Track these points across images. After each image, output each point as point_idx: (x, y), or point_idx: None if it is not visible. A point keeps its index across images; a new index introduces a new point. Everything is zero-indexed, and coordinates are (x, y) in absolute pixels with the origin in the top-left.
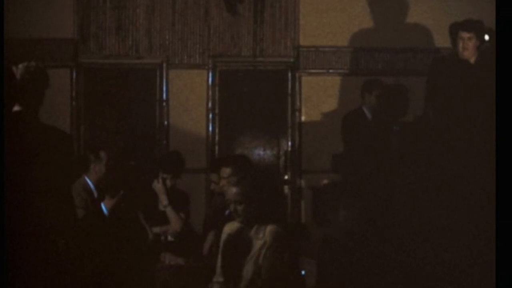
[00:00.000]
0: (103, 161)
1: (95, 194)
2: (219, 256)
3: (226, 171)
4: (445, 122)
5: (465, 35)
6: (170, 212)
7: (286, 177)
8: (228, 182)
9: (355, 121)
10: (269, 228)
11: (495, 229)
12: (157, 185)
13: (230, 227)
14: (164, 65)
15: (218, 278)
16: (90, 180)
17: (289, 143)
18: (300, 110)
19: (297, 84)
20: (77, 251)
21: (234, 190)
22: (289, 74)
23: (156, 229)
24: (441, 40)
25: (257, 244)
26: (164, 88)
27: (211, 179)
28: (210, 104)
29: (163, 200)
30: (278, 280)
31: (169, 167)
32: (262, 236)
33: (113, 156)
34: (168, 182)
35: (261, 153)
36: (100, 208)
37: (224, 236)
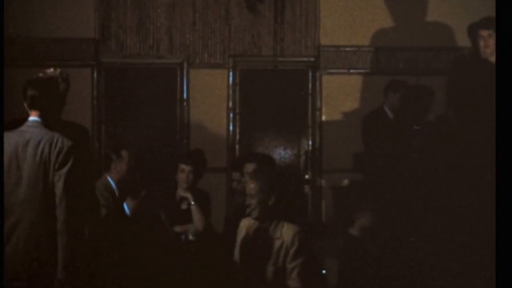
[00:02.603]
0: (125, 160)
1: (117, 193)
2: (236, 252)
3: (250, 166)
4: (466, 121)
5: (485, 32)
6: (195, 210)
7: (306, 176)
8: (249, 178)
9: (376, 120)
10: (286, 227)
11: None
12: (180, 175)
13: (246, 223)
14: (185, 64)
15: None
16: (112, 179)
17: (310, 143)
18: (320, 110)
19: (317, 83)
20: (99, 247)
21: (251, 185)
22: (310, 74)
23: (177, 228)
24: (463, 39)
25: (276, 243)
26: (185, 88)
27: (233, 178)
28: (230, 104)
29: (189, 198)
30: (299, 280)
31: (188, 159)
32: (280, 235)
33: (134, 155)
34: (191, 176)
35: (281, 152)
36: (122, 207)
37: (241, 232)
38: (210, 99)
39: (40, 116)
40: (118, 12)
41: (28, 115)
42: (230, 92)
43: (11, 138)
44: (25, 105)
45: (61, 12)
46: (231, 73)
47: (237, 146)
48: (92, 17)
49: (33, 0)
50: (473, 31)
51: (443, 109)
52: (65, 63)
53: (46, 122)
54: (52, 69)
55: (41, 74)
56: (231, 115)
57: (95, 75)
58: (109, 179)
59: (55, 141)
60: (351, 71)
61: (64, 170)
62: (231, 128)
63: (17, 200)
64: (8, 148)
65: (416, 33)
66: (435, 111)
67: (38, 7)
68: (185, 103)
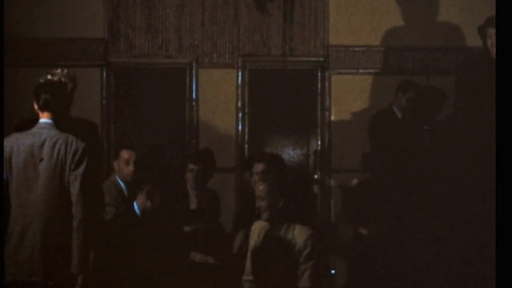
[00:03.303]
0: (122, 159)
1: (126, 193)
2: (249, 255)
3: (259, 166)
4: (475, 121)
5: (493, 31)
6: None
7: (315, 176)
8: (259, 179)
9: (384, 120)
10: (298, 229)
11: None
12: (189, 175)
13: (258, 225)
14: (194, 64)
15: (248, 276)
16: (121, 179)
17: (319, 142)
18: (329, 110)
19: (326, 83)
20: (110, 247)
21: (261, 187)
22: (319, 74)
23: (187, 228)
24: (472, 39)
25: (288, 245)
26: (194, 88)
27: (243, 178)
28: (239, 104)
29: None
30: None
31: (197, 159)
32: (292, 237)
33: (143, 155)
34: (200, 175)
35: (290, 152)
36: (132, 207)
37: (253, 234)
38: (219, 99)
39: (52, 117)
40: (127, 12)
41: (36, 117)
42: (239, 92)
43: (25, 139)
44: (36, 107)
45: (70, 12)
46: (240, 73)
47: (246, 146)
48: (101, 17)
49: (42, 0)
50: (482, 30)
51: (452, 109)
52: (74, 63)
53: (58, 123)
54: (59, 70)
55: (49, 75)
56: (240, 115)
57: (104, 75)
58: (118, 179)
59: (70, 142)
60: (360, 71)
61: (80, 170)
62: (240, 128)
63: (34, 198)
64: (23, 148)
65: (425, 33)
66: (444, 111)
67: (47, 8)
68: (194, 103)
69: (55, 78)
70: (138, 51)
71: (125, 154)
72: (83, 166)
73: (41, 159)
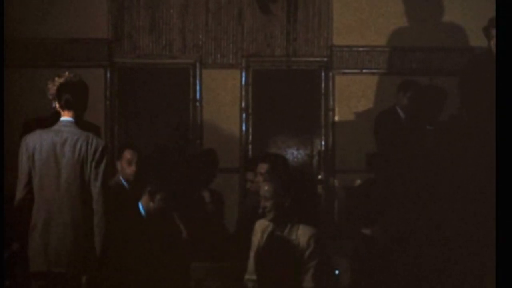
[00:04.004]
0: (124, 159)
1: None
2: (251, 254)
3: (263, 167)
4: (480, 121)
5: (495, 31)
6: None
7: (319, 176)
8: (263, 179)
9: (388, 120)
10: (302, 229)
11: None
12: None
13: (261, 225)
14: (198, 64)
15: (251, 275)
16: (124, 179)
17: (323, 143)
18: (333, 110)
19: (330, 83)
20: (115, 247)
21: (265, 187)
22: (323, 74)
23: None
24: (476, 39)
25: (291, 245)
26: (198, 88)
27: (246, 178)
28: (243, 104)
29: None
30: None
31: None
32: (295, 237)
33: (146, 155)
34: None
35: (294, 152)
36: (137, 207)
37: (256, 234)
38: (223, 99)
39: (73, 116)
40: (131, 13)
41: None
42: (243, 92)
43: (47, 136)
44: (57, 106)
45: (74, 12)
46: (243, 74)
47: (250, 147)
48: (105, 18)
49: (47, 1)
50: (486, 31)
51: (456, 109)
52: (78, 64)
53: (78, 122)
54: (67, 73)
55: (56, 78)
56: (243, 115)
57: (108, 75)
58: (121, 178)
59: (90, 140)
60: (364, 71)
61: (101, 167)
62: (244, 128)
63: (57, 193)
64: (45, 145)
65: (429, 33)
66: (447, 111)
67: (51, 8)
68: (198, 104)
69: (76, 80)
70: (142, 52)
71: (127, 154)
72: (103, 164)
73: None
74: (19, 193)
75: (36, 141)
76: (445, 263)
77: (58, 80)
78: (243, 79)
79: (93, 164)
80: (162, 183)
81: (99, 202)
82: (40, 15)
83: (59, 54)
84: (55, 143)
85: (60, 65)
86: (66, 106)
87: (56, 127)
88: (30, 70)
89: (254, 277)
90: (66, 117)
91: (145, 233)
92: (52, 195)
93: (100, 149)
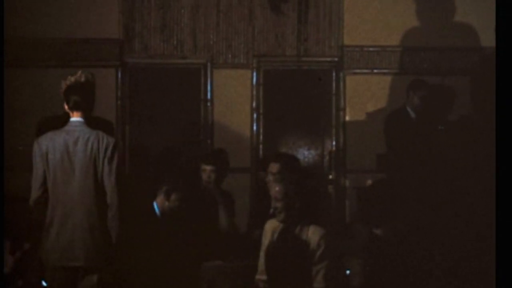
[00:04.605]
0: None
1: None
2: (262, 254)
3: (275, 166)
4: (491, 121)
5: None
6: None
7: (330, 176)
8: (274, 179)
9: (398, 120)
10: (312, 229)
11: None
12: (202, 175)
13: (271, 225)
14: (209, 64)
15: (262, 276)
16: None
17: (333, 143)
18: (344, 110)
19: (341, 83)
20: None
21: (276, 188)
22: (334, 74)
23: None
24: (487, 40)
25: (302, 245)
26: (209, 88)
27: (258, 177)
28: (254, 104)
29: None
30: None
31: (210, 159)
32: (306, 237)
33: (157, 155)
34: (213, 176)
35: (305, 152)
36: (152, 206)
37: (267, 234)
38: (233, 99)
39: (82, 116)
40: (142, 13)
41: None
42: (254, 92)
43: (60, 137)
44: (66, 107)
45: (85, 13)
46: (254, 74)
47: (260, 146)
48: (117, 18)
49: (58, 1)
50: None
51: (467, 109)
52: (90, 64)
53: (87, 121)
54: (80, 72)
55: (70, 77)
56: (254, 115)
57: (119, 75)
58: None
59: (101, 138)
60: (375, 71)
61: (113, 163)
62: (254, 128)
63: (71, 190)
64: (58, 145)
65: (440, 33)
66: (457, 111)
67: (62, 8)
68: (208, 104)
69: (84, 81)
70: (153, 52)
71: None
72: (115, 160)
73: None
74: (35, 192)
75: (49, 142)
76: (456, 264)
77: (70, 79)
78: (254, 79)
79: (106, 160)
80: (178, 183)
81: (113, 197)
82: (51, 15)
83: (71, 54)
84: (67, 142)
85: (71, 65)
86: (74, 107)
87: (67, 127)
88: (38, 70)
89: (265, 277)
90: (75, 117)
91: (158, 232)
92: (67, 193)
93: (111, 146)
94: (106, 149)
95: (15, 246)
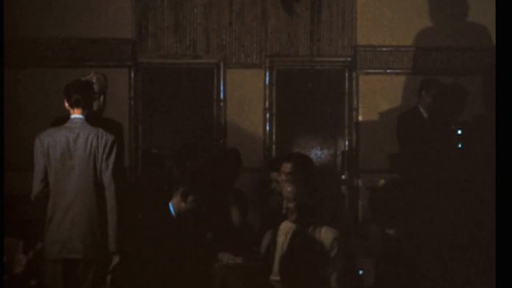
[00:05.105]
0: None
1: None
2: (276, 255)
3: (287, 166)
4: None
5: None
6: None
7: (343, 176)
8: (287, 180)
9: (411, 120)
10: (325, 230)
11: None
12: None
13: (286, 226)
14: (221, 64)
15: (276, 276)
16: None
17: (346, 143)
18: (357, 110)
19: (354, 83)
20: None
21: (289, 188)
22: (347, 74)
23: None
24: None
25: (315, 246)
26: (221, 88)
27: (271, 177)
28: (267, 104)
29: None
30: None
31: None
32: (319, 238)
33: (171, 155)
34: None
35: (318, 152)
36: (167, 207)
37: (281, 234)
38: (246, 99)
39: (82, 113)
40: (155, 13)
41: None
42: (267, 92)
43: (60, 133)
44: (67, 104)
45: (98, 13)
46: (267, 73)
47: (273, 147)
48: (129, 18)
49: (71, 1)
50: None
51: (479, 109)
52: (103, 64)
53: (88, 118)
54: (92, 73)
55: (83, 78)
56: (267, 115)
57: (132, 75)
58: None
59: (100, 135)
60: (388, 71)
61: (111, 159)
62: (267, 128)
63: (71, 185)
64: (59, 141)
65: (453, 33)
66: (470, 111)
67: (76, 8)
68: (221, 103)
69: (84, 80)
70: (166, 52)
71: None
72: (113, 156)
73: None
74: (36, 187)
75: (50, 138)
76: (470, 265)
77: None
78: (267, 79)
79: (104, 156)
80: (195, 185)
81: (111, 191)
82: (65, 15)
83: (83, 54)
84: (68, 139)
85: (84, 65)
86: (75, 105)
87: (67, 124)
88: (51, 70)
89: (279, 277)
90: (75, 114)
91: (172, 233)
92: (67, 188)
93: (110, 142)
94: (105, 146)
95: (28, 245)
